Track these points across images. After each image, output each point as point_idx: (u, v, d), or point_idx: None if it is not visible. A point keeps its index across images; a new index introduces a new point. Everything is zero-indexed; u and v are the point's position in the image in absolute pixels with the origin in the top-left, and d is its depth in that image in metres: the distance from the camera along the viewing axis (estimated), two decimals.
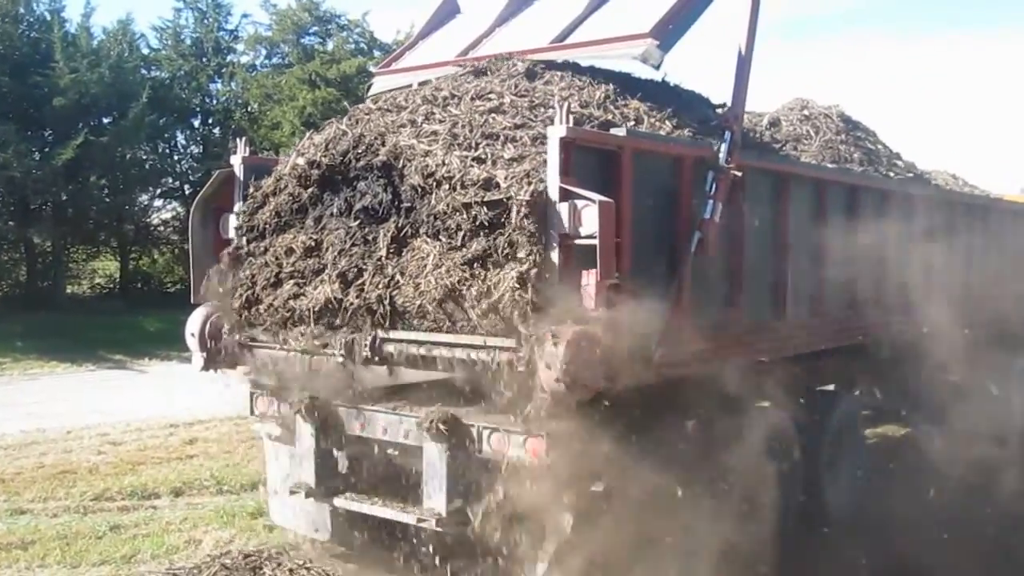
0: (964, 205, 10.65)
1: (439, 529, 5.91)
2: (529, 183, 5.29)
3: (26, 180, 24.38)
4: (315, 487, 6.56)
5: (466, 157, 5.63)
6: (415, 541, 6.41)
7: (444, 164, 5.61)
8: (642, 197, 5.72)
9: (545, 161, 5.35)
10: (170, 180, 31.61)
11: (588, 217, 5.13)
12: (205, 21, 32.78)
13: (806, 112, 9.42)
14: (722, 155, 6.25)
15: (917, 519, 7.92)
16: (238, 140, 7.07)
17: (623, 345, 5.53)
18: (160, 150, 31.18)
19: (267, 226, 6.54)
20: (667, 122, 6.49)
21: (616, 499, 5.80)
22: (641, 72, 7.23)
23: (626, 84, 6.83)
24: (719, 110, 7.33)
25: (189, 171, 31.72)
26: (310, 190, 6.33)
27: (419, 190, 5.70)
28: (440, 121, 6.12)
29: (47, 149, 25.47)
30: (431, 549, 6.31)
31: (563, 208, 5.19)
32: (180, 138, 32.60)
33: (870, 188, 8.53)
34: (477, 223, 5.39)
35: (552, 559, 5.65)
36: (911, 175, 9.33)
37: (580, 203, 5.16)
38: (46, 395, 16.10)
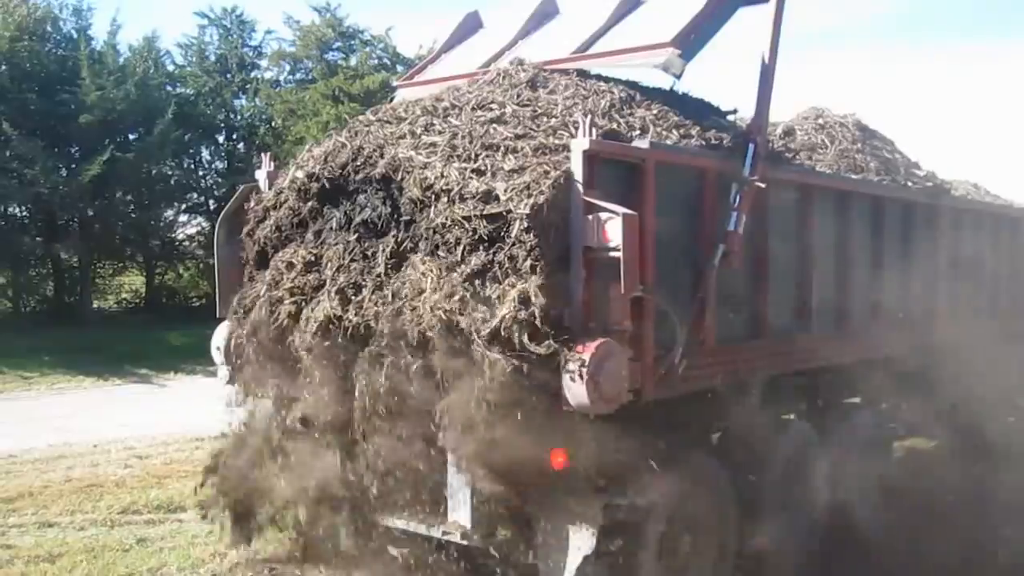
0: (989, 215, 10.56)
1: (464, 542, 5.90)
2: (529, 195, 5.14)
3: (53, 196, 24.63)
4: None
5: (465, 169, 5.49)
6: (440, 554, 6.40)
7: (443, 176, 5.46)
8: (666, 209, 5.71)
9: (546, 172, 5.25)
10: (195, 195, 31.81)
11: (612, 230, 5.12)
12: (229, 38, 33.07)
13: (821, 121, 9.26)
14: (746, 167, 6.23)
15: (942, 536, 7.85)
16: (263, 155, 7.10)
17: (647, 358, 5.53)
18: (185, 166, 31.40)
19: (267, 241, 6.43)
20: (673, 131, 6.38)
21: (640, 512, 5.79)
22: (649, 80, 7.19)
23: (632, 93, 6.73)
24: (728, 118, 7.28)
25: (214, 186, 31.92)
26: (310, 204, 6.19)
27: (418, 203, 5.55)
28: (439, 132, 5.99)
29: (74, 165, 25.69)
30: (455, 561, 6.30)
31: (587, 221, 5.18)
32: (205, 154, 32.86)
33: (895, 199, 8.48)
34: (476, 237, 5.25)
35: (576, 572, 5.63)
36: (930, 184, 9.20)
37: (604, 216, 5.15)
38: (73, 409, 16.23)
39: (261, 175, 6.96)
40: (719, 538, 6.59)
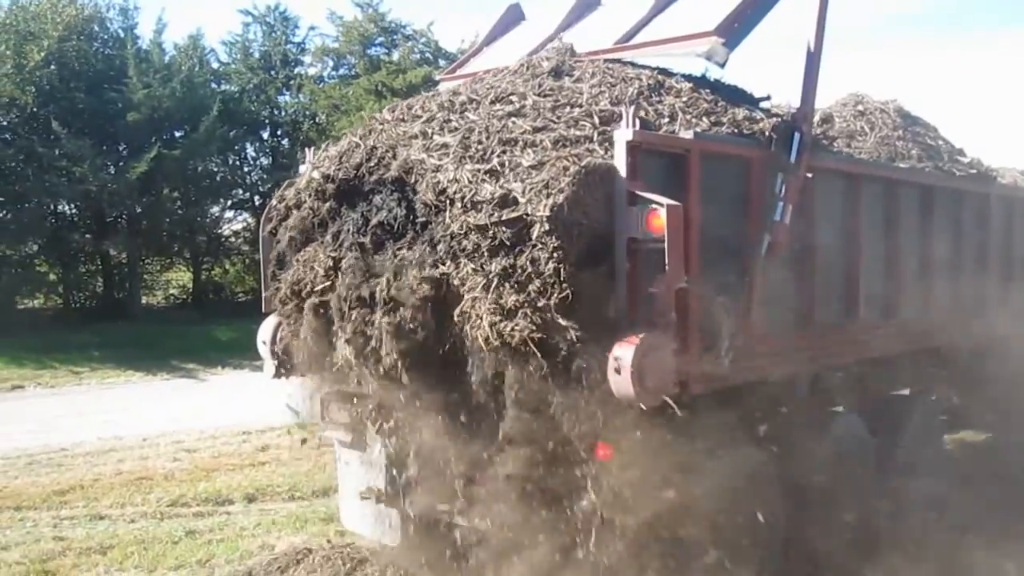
0: None
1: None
2: (548, 195, 4.98)
3: (102, 194, 24.96)
4: (386, 492, 6.58)
5: (479, 171, 5.31)
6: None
7: (455, 180, 5.29)
8: (710, 200, 5.64)
9: (565, 168, 5.09)
10: (240, 191, 32.09)
11: (656, 221, 5.08)
12: (273, 35, 33.28)
13: (860, 108, 9.08)
14: (792, 156, 6.15)
15: (995, 528, 7.73)
16: (307, 151, 7.12)
17: (693, 350, 5.48)
18: (230, 162, 31.69)
19: (291, 241, 6.40)
20: (703, 118, 6.20)
21: (687, 505, 5.75)
22: (679, 68, 7.02)
23: (661, 79, 6.57)
24: (762, 105, 7.18)
25: (259, 182, 32.17)
26: (328, 204, 6.12)
27: (433, 208, 5.41)
28: (454, 130, 5.80)
29: (121, 163, 26.01)
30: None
31: (631, 212, 5.14)
32: (250, 150, 33.17)
33: (944, 188, 8.35)
34: (497, 242, 5.09)
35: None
36: (974, 172, 8.99)
37: (648, 207, 5.11)
38: (122, 403, 16.47)
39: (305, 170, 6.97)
40: (767, 532, 6.52)
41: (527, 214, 5.02)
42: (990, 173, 9.43)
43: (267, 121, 33.13)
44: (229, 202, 31.71)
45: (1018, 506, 8.47)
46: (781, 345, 6.49)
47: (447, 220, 5.30)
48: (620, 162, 5.21)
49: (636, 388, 4.96)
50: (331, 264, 5.96)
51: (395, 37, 33.35)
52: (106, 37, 28.00)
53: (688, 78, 6.79)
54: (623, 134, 5.23)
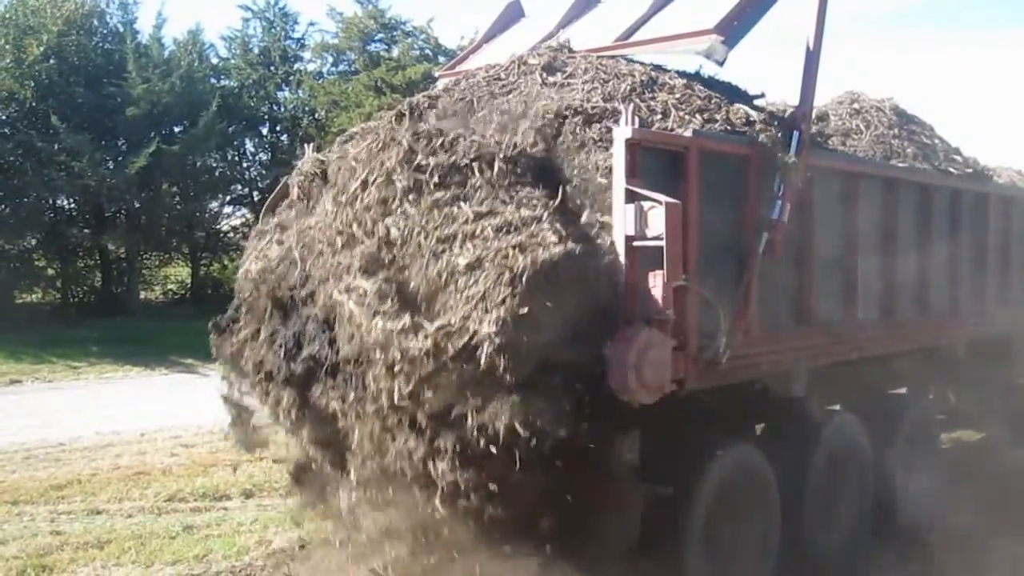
0: None
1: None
2: (487, 310, 4.52)
3: (100, 188, 24.94)
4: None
5: (393, 330, 4.74)
6: None
7: (371, 333, 4.82)
8: (709, 198, 5.65)
9: (505, 272, 4.63)
10: (239, 187, 32.11)
11: (655, 219, 5.08)
12: (272, 30, 33.26)
13: (856, 106, 9.03)
14: (791, 155, 6.16)
15: (991, 528, 7.73)
16: (306, 147, 7.12)
17: (691, 347, 5.49)
18: (229, 158, 31.68)
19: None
20: (696, 115, 6.18)
21: (682, 501, 5.76)
22: (676, 65, 7.05)
23: (655, 76, 6.54)
24: (756, 102, 7.17)
25: (258, 178, 32.16)
26: (264, 303, 5.86)
27: (357, 362, 5.06)
28: (384, 264, 5.03)
29: (120, 158, 26.00)
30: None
31: (629, 210, 5.15)
32: (249, 145, 33.17)
33: (942, 187, 8.36)
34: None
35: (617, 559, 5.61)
36: (971, 171, 8.99)
37: (646, 204, 5.10)
38: (120, 399, 16.47)
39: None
40: (763, 529, 6.54)
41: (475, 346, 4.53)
42: (986, 172, 9.44)
43: (266, 117, 33.13)
44: (228, 198, 31.78)
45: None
46: (778, 343, 6.50)
47: (372, 383, 4.92)
48: (619, 160, 5.22)
49: (634, 384, 4.97)
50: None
51: (395, 33, 33.34)
52: (105, 32, 27.99)
53: (682, 75, 6.79)
54: (622, 132, 5.23)
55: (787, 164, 6.11)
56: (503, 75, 6.51)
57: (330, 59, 34.27)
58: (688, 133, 5.67)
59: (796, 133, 6.22)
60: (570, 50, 6.83)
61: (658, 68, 6.76)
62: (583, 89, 6.09)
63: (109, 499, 9.43)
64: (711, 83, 6.99)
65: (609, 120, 5.57)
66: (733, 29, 6.42)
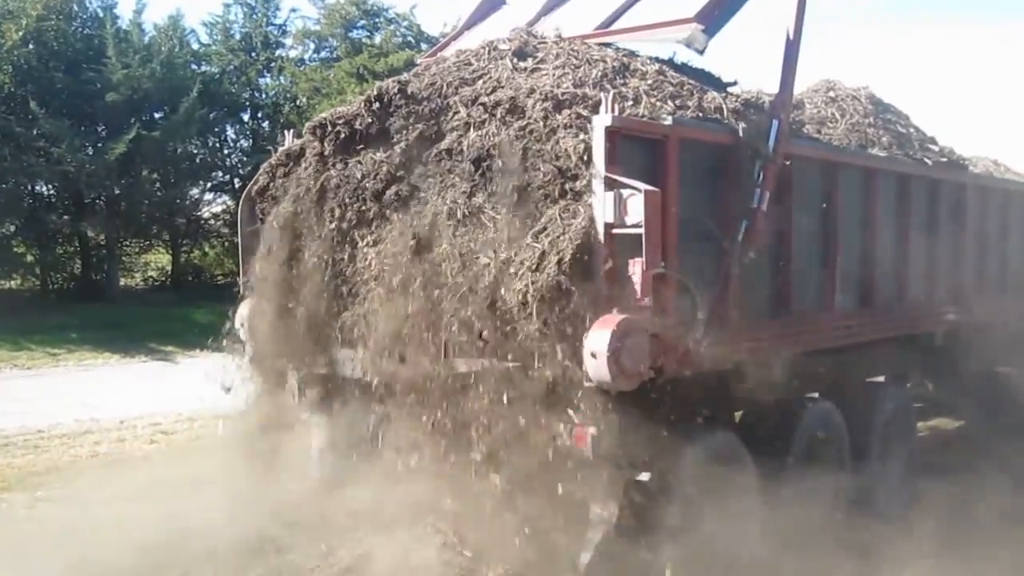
0: (1011, 192, 10.45)
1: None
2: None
3: (80, 174, 24.72)
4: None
5: None
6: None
7: None
8: (688, 185, 5.67)
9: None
10: (220, 174, 31.85)
11: (634, 206, 5.10)
12: (254, 16, 33.01)
13: (832, 94, 9.05)
14: (770, 143, 6.18)
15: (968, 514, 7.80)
16: (287, 133, 7.11)
17: (669, 334, 5.51)
18: (210, 144, 31.44)
19: None
20: (668, 102, 6.19)
21: (662, 489, 5.79)
22: (646, 51, 7.05)
23: (627, 62, 6.56)
24: (729, 88, 7.18)
25: (239, 165, 31.90)
26: None
27: None
28: None
29: (100, 144, 25.76)
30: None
31: (608, 197, 5.15)
32: (230, 132, 32.88)
33: (920, 177, 8.40)
34: None
35: (596, 548, 5.64)
36: (946, 160, 9.04)
37: (626, 192, 5.12)
38: (100, 386, 16.36)
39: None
40: (741, 516, 6.57)
41: None
42: (962, 162, 9.49)
43: (247, 103, 32.88)
44: (209, 184, 31.45)
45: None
46: (757, 331, 6.53)
47: None
48: (599, 147, 5.23)
49: (612, 372, 5.00)
50: None
51: (377, 20, 33.18)
52: (85, 17, 27.68)
53: (655, 60, 6.79)
54: (602, 119, 5.25)
55: (766, 153, 6.13)
56: (473, 60, 6.50)
57: (312, 46, 34.09)
58: (668, 121, 5.68)
59: (776, 122, 6.25)
60: (537, 35, 6.82)
61: (630, 54, 6.76)
62: (554, 75, 6.08)
63: (88, 486, 9.37)
64: (684, 69, 7.01)
65: (580, 106, 5.57)
66: (713, 18, 6.45)
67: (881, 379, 8.73)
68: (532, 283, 5.09)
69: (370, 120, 6.18)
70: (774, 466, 6.80)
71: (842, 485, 7.62)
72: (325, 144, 6.37)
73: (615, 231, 5.16)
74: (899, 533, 7.56)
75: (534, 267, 5.14)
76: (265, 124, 33.07)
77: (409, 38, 32.82)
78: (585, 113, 5.50)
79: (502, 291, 5.27)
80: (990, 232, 9.71)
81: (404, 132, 6.02)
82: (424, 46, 30.56)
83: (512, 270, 5.24)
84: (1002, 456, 8.88)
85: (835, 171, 7.20)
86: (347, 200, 6.15)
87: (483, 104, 5.85)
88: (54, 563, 7.06)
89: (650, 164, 5.49)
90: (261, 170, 6.84)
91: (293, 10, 40.28)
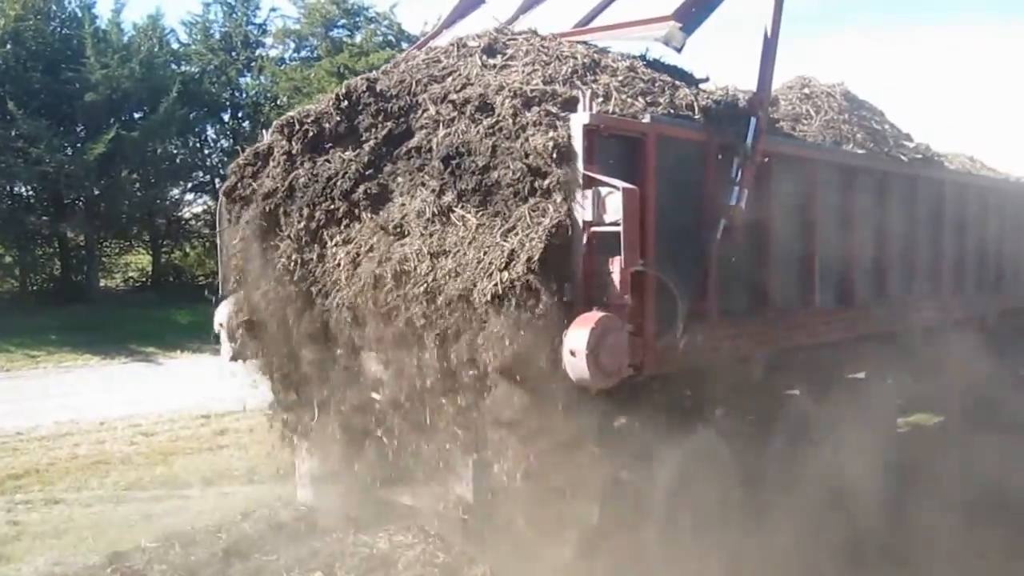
0: (985, 188, 10.52)
1: (465, 517, 5.91)
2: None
3: (59, 175, 24.59)
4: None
5: None
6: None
7: None
8: (666, 183, 5.68)
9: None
10: (200, 174, 31.72)
11: (612, 204, 5.09)
12: (234, 15, 32.90)
13: (807, 91, 9.04)
14: (748, 141, 6.20)
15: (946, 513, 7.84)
16: (266, 133, 7.07)
17: (648, 332, 5.52)
18: (190, 144, 31.32)
19: None
20: (639, 98, 6.17)
21: (642, 487, 5.79)
22: (618, 48, 7.03)
23: (598, 58, 6.54)
24: (701, 85, 7.19)
25: (219, 165, 31.73)
26: None
27: None
28: None
29: (79, 144, 25.64)
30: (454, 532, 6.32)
31: (587, 195, 5.15)
32: (210, 132, 32.79)
33: (899, 174, 8.45)
34: None
35: (577, 546, 5.64)
36: (920, 156, 9.07)
37: (604, 190, 5.12)
38: (80, 387, 16.29)
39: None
40: (722, 514, 6.59)
41: None
42: (938, 158, 9.52)
43: (228, 103, 32.79)
44: (189, 184, 31.36)
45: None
46: (736, 328, 6.54)
47: None
48: (577, 145, 5.22)
49: (591, 370, 4.99)
50: None
51: (357, 19, 33.13)
52: (64, 16, 27.52)
53: (626, 57, 6.79)
54: (579, 117, 5.25)
55: (744, 150, 6.15)
56: (443, 58, 6.49)
57: (292, 45, 34.01)
58: (646, 119, 5.69)
59: (754, 120, 6.27)
60: (507, 32, 6.80)
61: (601, 51, 6.76)
62: (523, 71, 6.07)
63: (67, 488, 9.35)
64: (656, 66, 7.01)
65: (549, 103, 5.56)
66: (691, 16, 6.44)
67: (862, 376, 8.77)
68: (501, 282, 5.04)
69: (339, 118, 6.12)
70: (754, 462, 6.82)
71: (823, 483, 7.65)
72: (293, 143, 6.31)
73: (594, 229, 5.16)
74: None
75: (502, 266, 5.08)
76: (246, 124, 32.94)
77: (390, 37, 32.79)
78: (555, 110, 5.47)
79: (472, 290, 5.19)
80: (970, 228, 9.77)
81: (373, 130, 5.97)
82: (405, 45, 30.49)
83: (480, 269, 5.19)
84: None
85: (814, 169, 7.23)
86: (316, 199, 6.08)
87: (452, 101, 5.81)
88: (32, 566, 7.04)
89: (628, 162, 5.49)
90: (229, 170, 6.78)
91: (273, 9, 40.41)
